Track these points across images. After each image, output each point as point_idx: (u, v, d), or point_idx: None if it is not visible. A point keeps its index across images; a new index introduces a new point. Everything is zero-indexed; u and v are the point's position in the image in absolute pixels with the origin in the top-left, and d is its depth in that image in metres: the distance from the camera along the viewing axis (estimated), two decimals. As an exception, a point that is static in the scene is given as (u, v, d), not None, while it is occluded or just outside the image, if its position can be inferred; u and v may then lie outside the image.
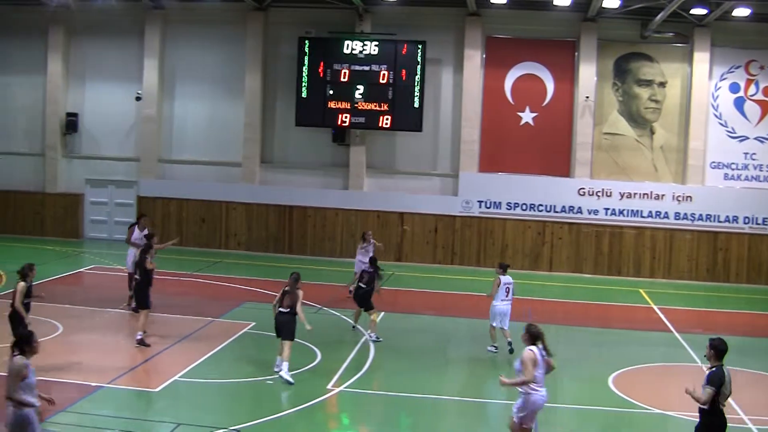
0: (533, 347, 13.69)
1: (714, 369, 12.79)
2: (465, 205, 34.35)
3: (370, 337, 22.34)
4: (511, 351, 21.13)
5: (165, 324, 23.15)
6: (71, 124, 37.24)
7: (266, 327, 21.82)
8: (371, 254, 26.16)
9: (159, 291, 24.61)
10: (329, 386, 18.00)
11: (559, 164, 34.36)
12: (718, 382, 12.61)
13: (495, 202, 34.18)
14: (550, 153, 34.43)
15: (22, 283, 17.67)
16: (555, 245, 34.02)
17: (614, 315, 27.63)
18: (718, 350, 12.94)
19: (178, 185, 36.49)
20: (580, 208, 33.79)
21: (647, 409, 17.46)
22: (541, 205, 33.96)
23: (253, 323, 23.05)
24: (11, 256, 32.31)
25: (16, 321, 17.59)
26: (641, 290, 31.28)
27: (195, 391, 17.67)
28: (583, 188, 33.84)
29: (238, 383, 18.26)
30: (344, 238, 35.03)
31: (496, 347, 21.82)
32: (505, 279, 22.09)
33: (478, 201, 34.28)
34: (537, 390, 13.62)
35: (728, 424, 12.92)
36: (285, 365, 18.31)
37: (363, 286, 22.88)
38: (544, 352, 13.75)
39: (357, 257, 27.65)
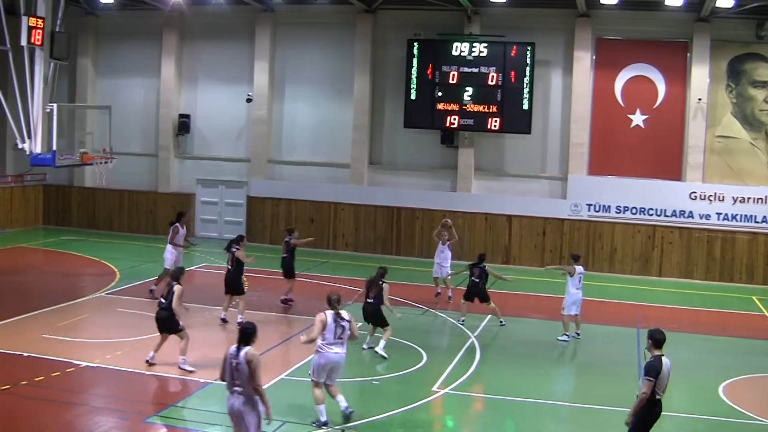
0: (328, 311, 15.50)
1: (652, 360, 13.11)
2: (574, 208, 34.02)
3: (502, 323, 24.07)
4: (578, 335, 23.09)
5: (273, 323, 23.48)
6: (183, 125, 38.00)
7: (372, 328, 22.00)
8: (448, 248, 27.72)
9: (268, 290, 24.99)
10: (434, 388, 18.01)
11: (671, 167, 33.73)
12: (654, 372, 12.95)
13: (604, 206, 33.74)
14: (661, 156, 33.83)
15: (179, 287, 18.49)
16: (665, 250, 33.43)
17: (726, 322, 26.98)
18: (655, 340, 13.35)
19: (288, 186, 36.91)
20: (691, 212, 33.13)
21: (758, 420, 17.05)
22: (651, 208, 33.42)
23: (359, 324, 23.12)
24: (125, 254, 33.17)
25: (170, 321, 18.50)
26: (754, 297, 30.55)
27: (301, 390, 17.80)
28: (695, 192, 33.18)
29: (344, 383, 18.34)
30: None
31: (569, 337, 23.03)
32: (579, 269, 23.10)
33: (587, 204, 33.90)
34: (324, 350, 15.42)
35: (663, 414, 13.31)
36: (383, 343, 20.24)
37: (476, 280, 23.64)
38: (346, 320, 15.52)
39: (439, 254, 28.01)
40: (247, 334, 12.79)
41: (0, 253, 31.66)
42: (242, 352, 12.55)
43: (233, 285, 23.21)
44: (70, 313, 23.59)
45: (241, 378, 12.50)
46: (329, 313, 15.46)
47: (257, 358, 12.59)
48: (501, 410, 17.51)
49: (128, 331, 21.68)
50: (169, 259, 25.75)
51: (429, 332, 23.38)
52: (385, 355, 20.03)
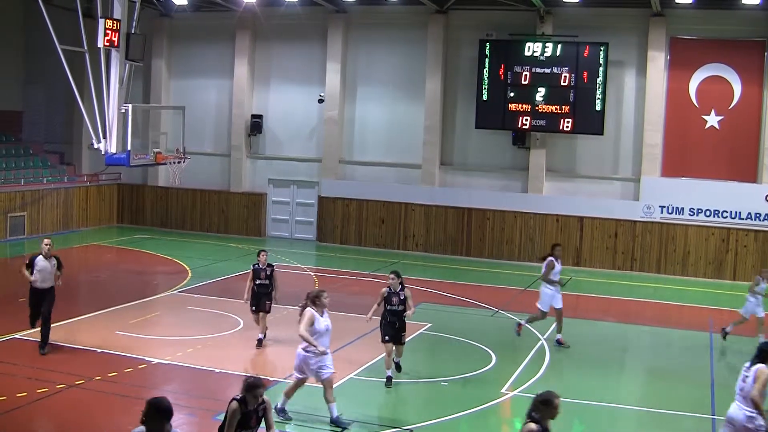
0: (312, 308, 15.08)
1: None
2: (646, 210, 33.61)
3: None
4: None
5: (343, 323, 23.50)
6: (256, 125, 38.34)
7: (442, 328, 21.99)
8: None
9: (337, 290, 25.03)
10: (503, 390, 17.93)
11: (746, 169, 33.11)
12: None
13: (677, 208, 33.29)
14: (737, 158, 33.23)
15: (310, 311, 15.38)
16: (740, 253, 32.88)
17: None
18: None
19: (359, 186, 37.01)
20: (767, 215, 32.55)
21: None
22: (725, 211, 32.88)
23: (429, 324, 23.15)
24: (197, 252, 33.52)
25: None
26: (833, 302, 29.94)
27: (369, 390, 17.87)
28: (771, 194, 32.62)
29: (413, 383, 18.38)
30: (523, 241, 34.82)
31: None
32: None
33: (660, 206, 33.44)
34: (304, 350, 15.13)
35: None
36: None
37: None
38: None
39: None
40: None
41: (75, 251, 32.19)
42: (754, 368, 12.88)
43: None
44: (142, 310, 23.93)
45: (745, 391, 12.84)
46: (313, 311, 15.21)
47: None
48: (571, 413, 17.29)
49: (199, 329, 21.93)
50: (545, 297, 22.04)
51: (499, 334, 23.23)
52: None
